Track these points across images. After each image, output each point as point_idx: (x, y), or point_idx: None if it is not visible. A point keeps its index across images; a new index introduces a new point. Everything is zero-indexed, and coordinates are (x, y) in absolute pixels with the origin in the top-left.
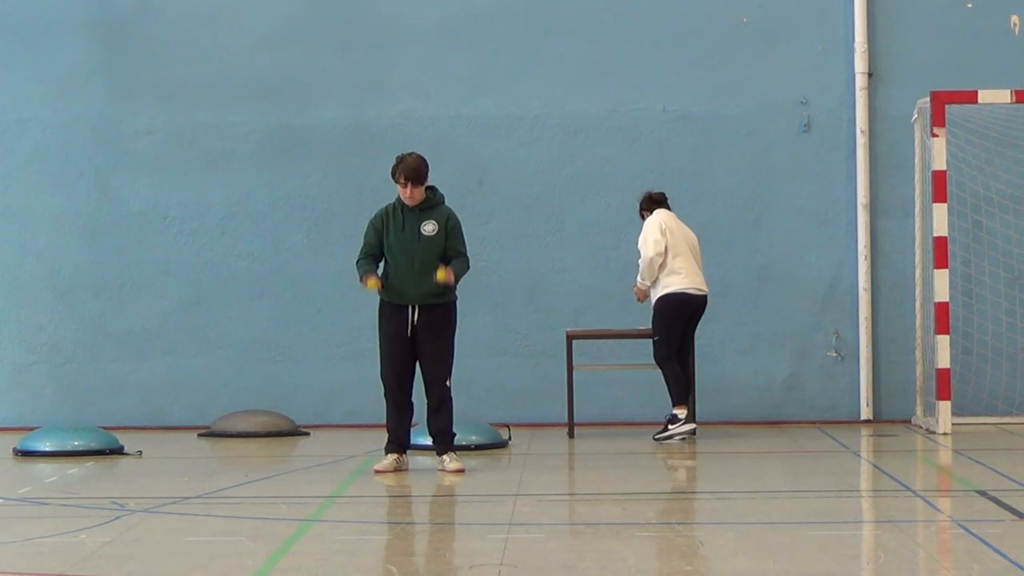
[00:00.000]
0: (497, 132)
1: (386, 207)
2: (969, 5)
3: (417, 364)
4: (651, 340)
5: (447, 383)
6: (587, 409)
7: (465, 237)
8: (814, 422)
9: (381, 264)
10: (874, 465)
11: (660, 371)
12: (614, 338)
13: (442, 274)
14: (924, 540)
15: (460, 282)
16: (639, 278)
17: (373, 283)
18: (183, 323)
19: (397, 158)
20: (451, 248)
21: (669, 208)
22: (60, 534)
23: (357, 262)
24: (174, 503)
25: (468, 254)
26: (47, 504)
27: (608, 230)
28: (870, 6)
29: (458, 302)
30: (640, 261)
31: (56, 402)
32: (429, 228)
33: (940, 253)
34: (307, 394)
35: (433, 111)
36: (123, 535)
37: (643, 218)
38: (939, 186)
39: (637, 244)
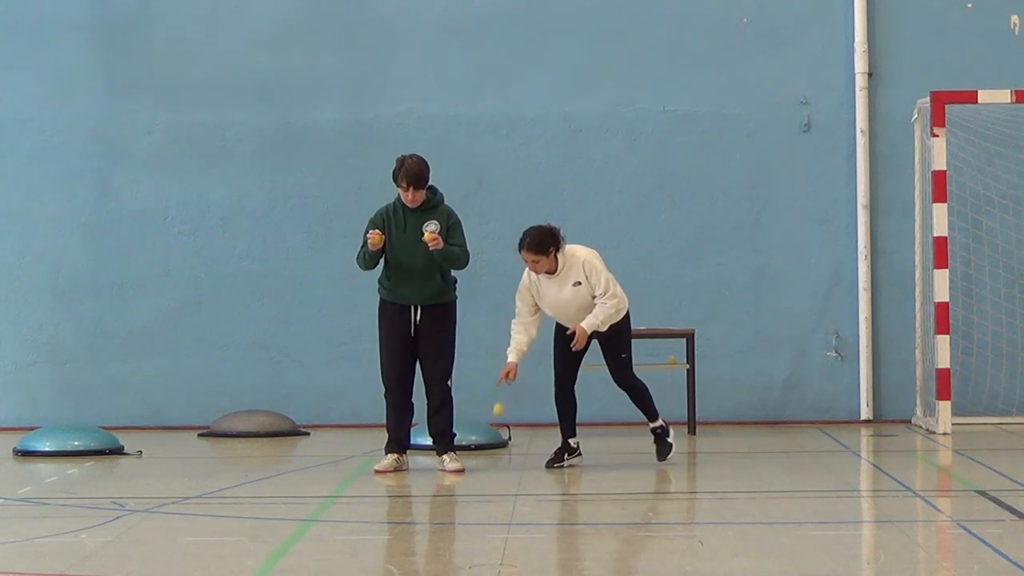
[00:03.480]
0: (497, 132)
1: (386, 207)
2: (969, 5)
3: (417, 364)
4: (620, 358)
5: (448, 383)
6: (587, 409)
7: (465, 236)
8: (814, 422)
9: (381, 264)
10: (874, 465)
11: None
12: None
13: (429, 236)
14: (924, 540)
15: (460, 281)
16: (599, 321)
17: (377, 237)
18: (183, 323)
19: (398, 161)
20: (451, 244)
21: None
22: (60, 534)
23: (357, 257)
24: (174, 503)
25: (468, 251)
26: (47, 504)
27: (608, 230)
28: (870, 6)
29: (458, 302)
30: (609, 304)
31: (56, 402)
32: (431, 228)
33: (940, 253)
34: (307, 394)
35: (433, 111)
36: (123, 535)
37: (553, 252)
38: (939, 186)
39: (594, 281)
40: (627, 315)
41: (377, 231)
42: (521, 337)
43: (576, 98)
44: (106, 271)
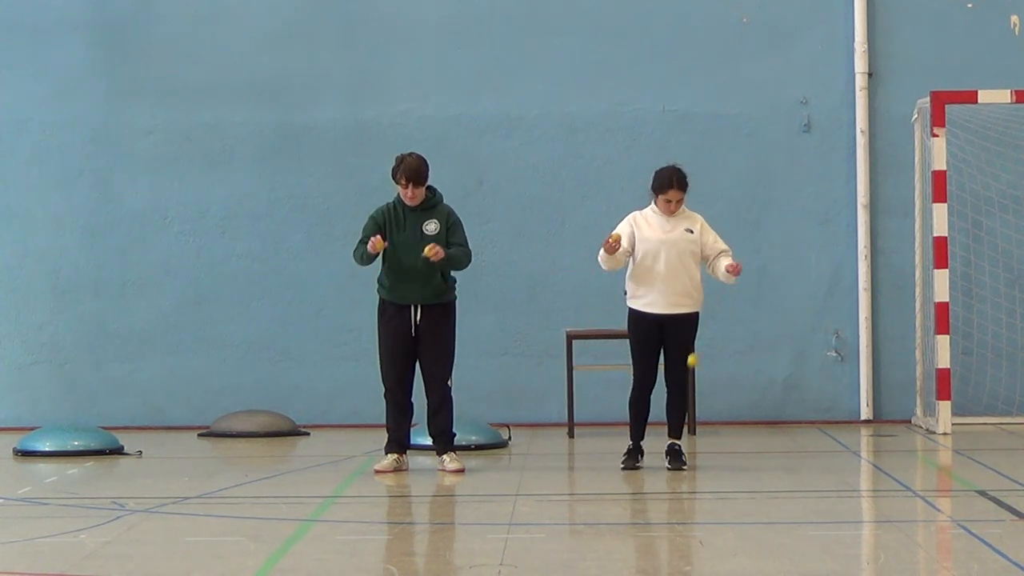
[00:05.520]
0: (497, 132)
1: (386, 205)
2: (969, 5)
3: (417, 364)
4: (687, 353)
5: (447, 383)
6: (587, 409)
7: (466, 234)
8: (814, 422)
9: (380, 263)
10: (874, 465)
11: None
12: (614, 338)
13: (430, 250)
14: (924, 540)
15: (460, 280)
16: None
17: (379, 244)
18: (183, 323)
19: (397, 158)
20: (452, 243)
21: None
22: (60, 534)
23: (353, 252)
24: (174, 503)
25: (470, 248)
26: (47, 504)
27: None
28: (870, 6)
29: (458, 302)
30: (726, 250)
31: (56, 402)
32: (431, 227)
33: (940, 253)
34: (307, 394)
35: (433, 111)
36: (123, 535)
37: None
38: (939, 186)
39: (706, 233)
40: (698, 313)
41: (379, 237)
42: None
43: (576, 98)
44: (106, 271)
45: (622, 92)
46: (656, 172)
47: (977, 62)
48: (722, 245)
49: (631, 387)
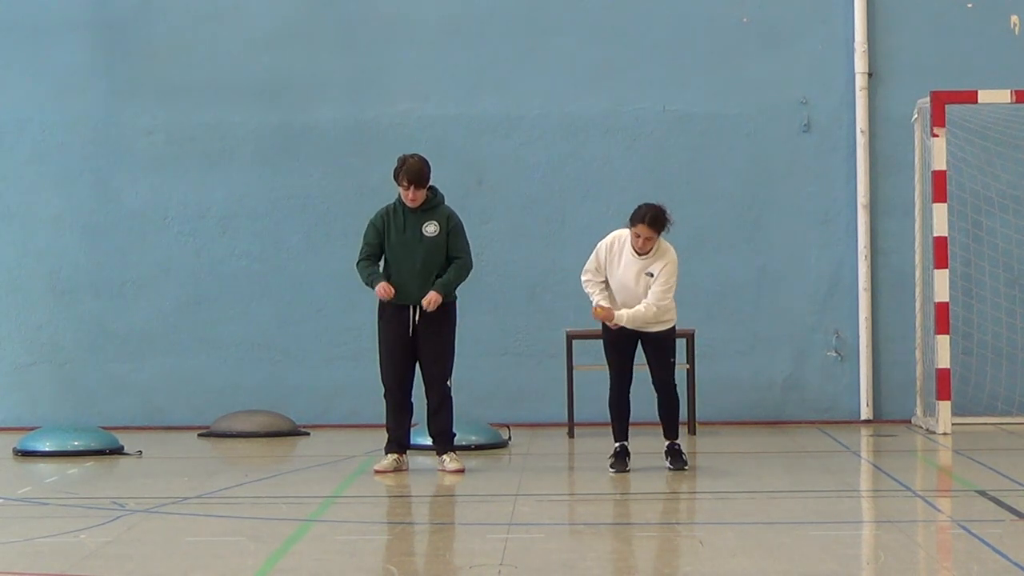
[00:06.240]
0: (497, 132)
1: (386, 207)
2: (969, 5)
3: (417, 364)
4: (668, 362)
5: (447, 383)
6: (587, 409)
7: (467, 237)
8: (814, 422)
9: (381, 265)
10: (874, 465)
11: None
12: None
13: (425, 300)
14: (924, 540)
15: (461, 283)
16: (634, 316)
17: (386, 292)
18: (183, 323)
19: (399, 160)
20: (453, 249)
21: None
22: (60, 534)
23: (358, 263)
24: (174, 503)
25: (470, 254)
26: (47, 504)
27: (608, 230)
28: (870, 6)
29: (458, 302)
30: (650, 305)
31: (56, 402)
32: (431, 229)
33: (940, 253)
34: (307, 394)
35: (433, 111)
36: (123, 535)
37: (660, 234)
38: (939, 186)
39: (657, 280)
40: (674, 326)
41: (388, 285)
42: (602, 292)
43: (576, 98)
44: (106, 271)
45: (622, 92)
46: (638, 205)
47: (977, 62)
48: (658, 287)
49: (609, 389)
